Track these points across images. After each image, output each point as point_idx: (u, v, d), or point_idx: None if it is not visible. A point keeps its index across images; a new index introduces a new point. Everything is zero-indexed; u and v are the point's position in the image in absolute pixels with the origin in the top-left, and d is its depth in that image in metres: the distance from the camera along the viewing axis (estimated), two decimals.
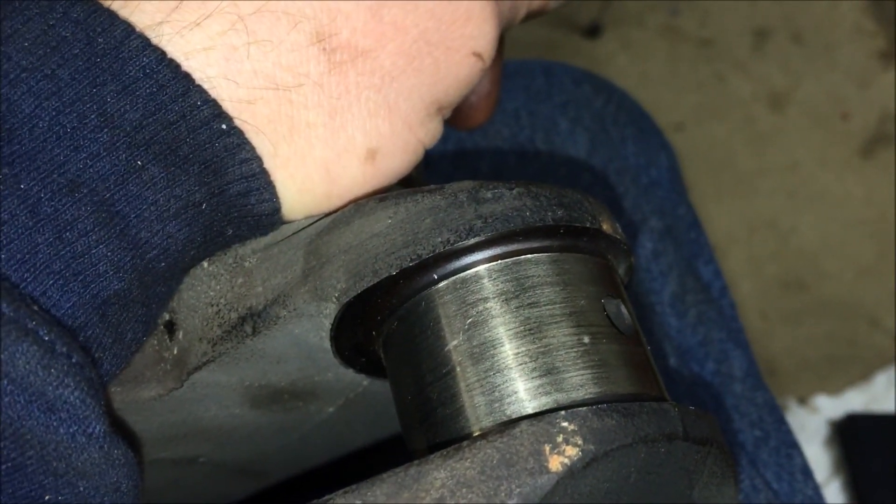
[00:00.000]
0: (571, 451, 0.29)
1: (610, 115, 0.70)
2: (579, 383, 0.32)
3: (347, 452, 0.50)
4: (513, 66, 0.70)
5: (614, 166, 0.67)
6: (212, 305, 0.36)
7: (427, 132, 0.38)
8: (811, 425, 1.50)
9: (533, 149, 0.67)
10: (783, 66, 1.87)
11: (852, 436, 1.45)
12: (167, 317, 0.37)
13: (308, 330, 0.35)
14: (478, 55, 0.38)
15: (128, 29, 0.31)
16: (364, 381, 0.39)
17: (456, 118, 0.45)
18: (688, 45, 1.90)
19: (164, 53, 0.32)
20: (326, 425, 0.44)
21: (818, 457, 1.47)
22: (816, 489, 0.62)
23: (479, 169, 0.66)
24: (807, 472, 0.62)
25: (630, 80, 1.80)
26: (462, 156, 0.66)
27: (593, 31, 1.90)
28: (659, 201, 0.67)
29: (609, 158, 0.67)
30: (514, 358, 0.32)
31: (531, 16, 0.44)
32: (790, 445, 0.62)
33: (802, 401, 1.53)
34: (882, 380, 1.55)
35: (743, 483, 0.57)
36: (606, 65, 1.85)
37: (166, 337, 0.37)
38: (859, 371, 1.56)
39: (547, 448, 0.29)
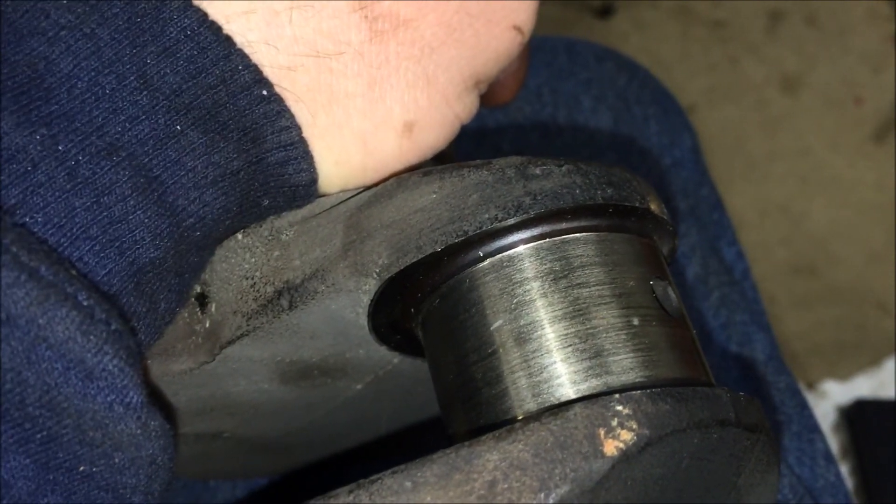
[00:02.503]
0: (627, 436, 0.28)
1: (633, 93, 0.69)
2: (629, 366, 0.31)
3: (371, 437, 0.50)
4: (534, 42, 0.69)
5: (638, 146, 0.66)
6: (247, 278, 0.35)
7: (464, 106, 0.37)
8: (819, 411, 1.50)
9: (555, 127, 0.66)
10: (797, 50, 1.86)
11: (860, 421, 1.45)
12: (198, 289, 0.36)
13: (345, 305, 0.34)
14: (518, 28, 0.37)
15: None
16: (395, 358, 0.39)
17: (482, 95, 0.45)
18: (701, 26, 1.89)
19: (205, 15, 0.31)
20: (353, 403, 0.43)
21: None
22: (838, 475, 0.61)
23: (500, 147, 0.65)
24: (829, 457, 0.61)
25: (642, 61, 1.78)
26: (483, 134, 0.66)
27: (606, 12, 1.88)
28: (682, 182, 0.66)
29: (632, 138, 0.66)
30: (561, 339, 0.32)
31: None
32: (812, 430, 0.61)
33: (811, 386, 1.53)
34: (891, 365, 1.55)
35: None
36: (619, 45, 1.83)
37: (198, 310, 0.36)
38: (868, 357, 1.56)
39: (602, 432, 0.28)
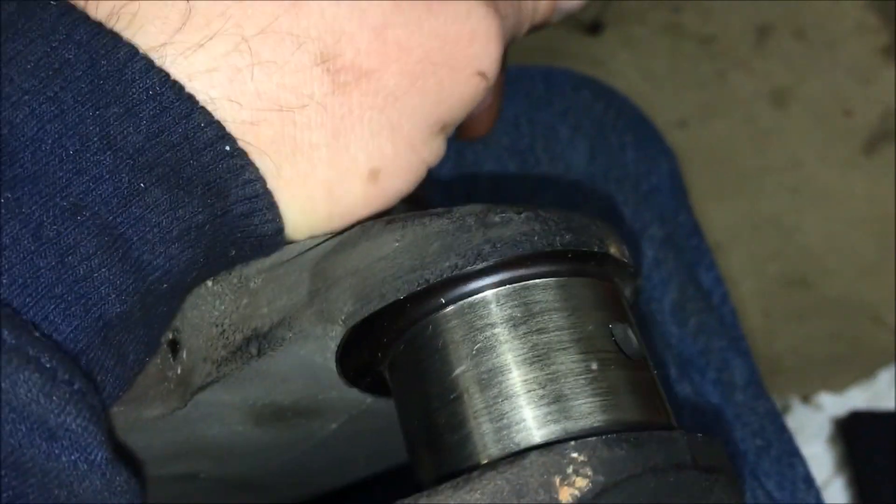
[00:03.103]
0: (581, 483, 0.28)
1: (610, 121, 0.70)
2: (588, 411, 0.32)
3: (350, 475, 0.50)
4: (512, 72, 0.70)
5: (614, 174, 0.67)
6: (216, 326, 0.36)
7: (430, 151, 0.38)
8: (814, 423, 1.50)
9: (533, 157, 0.66)
10: (786, 63, 1.87)
11: (855, 433, 1.45)
12: (171, 336, 0.37)
13: (313, 351, 0.35)
14: (482, 74, 0.37)
15: (131, 51, 0.31)
16: (368, 399, 0.39)
17: (457, 130, 0.45)
18: (690, 42, 1.90)
19: (167, 75, 0.31)
20: (329, 442, 0.44)
21: (821, 455, 1.46)
22: (818, 497, 0.62)
23: (478, 179, 0.66)
24: (809, 480, 0.62)
25: (632, 78, 1.80)
26: (461, 165, 0.66)
27: (595, 29, 1.89)
28: (659, 209, 0.67)
29: (609, 166, 0.67)
30: (521, 385, 0.32)
31: (534, 28, 0.43)
32: (792, 454, 0.61)
33: (806, 399, 1.53)
34: (885, 377, 1.55)
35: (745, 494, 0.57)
36: (608, 62, 1.85)
37: (170, 356, 0.37)
38: (862, 369, 1.56)
39: (557, 479, 0.28)
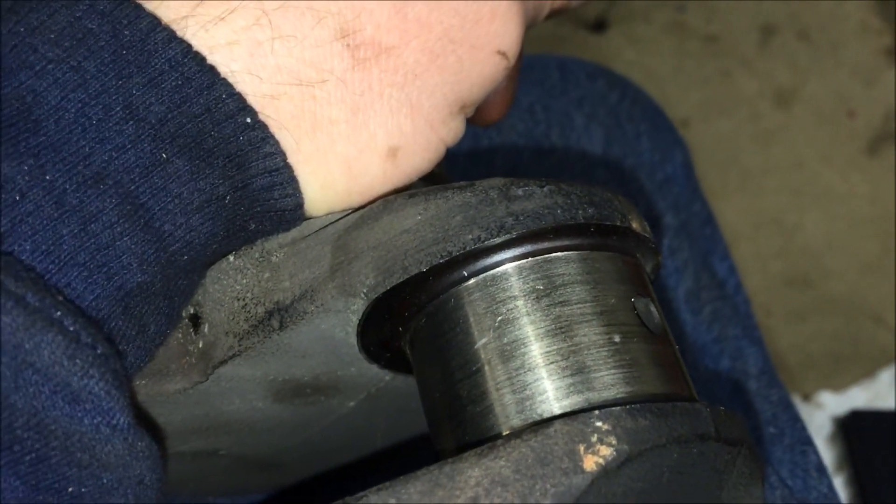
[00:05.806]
0: (606, 451, 0.29)
1: (625, 110, 0.70)
2: (610, 382, 0.32)
3: (367, 453, 0.50)
4: (527, 60, 0.70)
5: (629, 162, 0.67)
6: (238, 300, 0.36)
7: (449, 131, 0.38)
8: (815, 422, 1.50)
9: (548, 144, 0.67)
10: (789, 64, 1.87)
11: (856, 432, 1.45)
12: (192, 310, 0.37)
13: (335, 325, 0.35)
14: (502, 53, 0.37)
15: (153, 22, 0.31)
16: (386, 376, 0.39)
17: (472, 114, 0.46)
18: (694, 41, 1.90)
19: (189, 46, 0.32)
20: (347, 420, 0.44)
21: (822, 453, 1.46)
22: (831, 486, 0.62)
23: (494, 164, 0.66)
24: (821, 469, 0.62)
25: (636, 76, 1.79)
26: (477, 151, 0.66)
27: (599, 26, 1.89)
28: (674, 198, 0.67)
29: (624, 154, 0.67)
30: (544, 356, 0.32)
31: (554, 13, 0.43)
32: (805, 442, 0.62)
33: (807, 397, 1.53)
34: (886, 377, 1.56)
35: None
36: (612, 60, 1.85)
37: (191, 331, 0.37)
38: (863, 368, 1.56)
39: (581, 447, 0.29)
